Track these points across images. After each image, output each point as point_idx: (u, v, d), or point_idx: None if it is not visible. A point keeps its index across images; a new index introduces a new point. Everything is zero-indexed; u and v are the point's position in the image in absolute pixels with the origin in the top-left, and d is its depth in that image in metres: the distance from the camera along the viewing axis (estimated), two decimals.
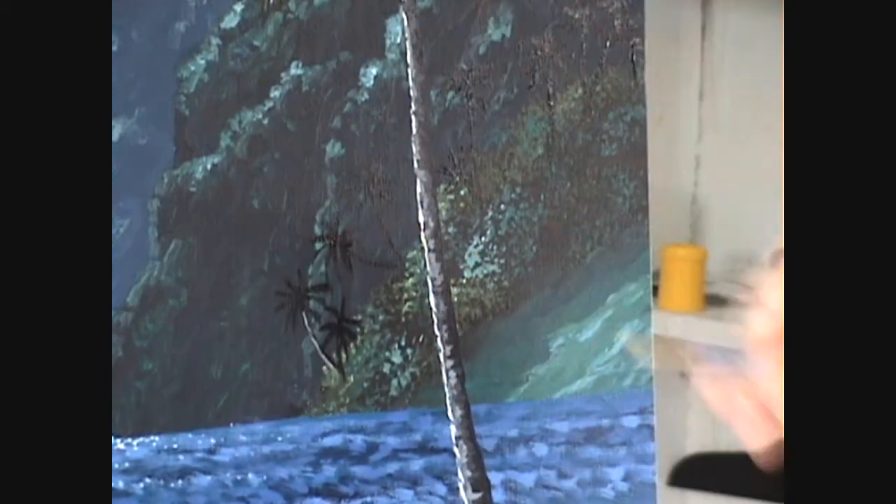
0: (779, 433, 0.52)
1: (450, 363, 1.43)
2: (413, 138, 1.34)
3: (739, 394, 0.51)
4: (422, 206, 1.36)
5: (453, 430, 1.43)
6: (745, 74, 1.78)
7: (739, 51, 1.78)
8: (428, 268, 1.39)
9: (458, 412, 1.45)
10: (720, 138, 1.84)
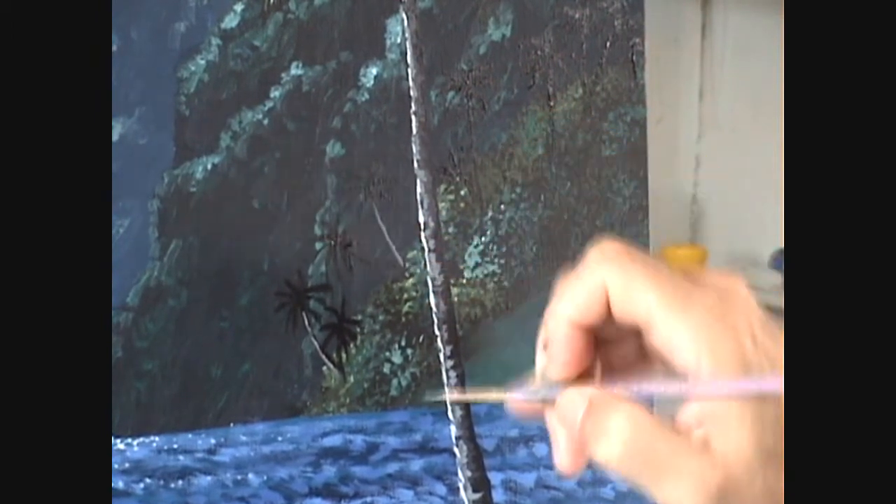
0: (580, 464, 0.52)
1: (450, 363, 1.42)
2: (413, 138, 1.34)
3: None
4: (422, 206, 1.35)
5: (453, 430, 1.42)
6: (745, 74, 1.78)
7: (739, 51, 1.78)
8: (428, 268, 1.38)
9: (458, 412, 1.44)
10: (720, 138, 1.84)
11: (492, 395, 0.52)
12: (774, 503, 0.45)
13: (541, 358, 0.51)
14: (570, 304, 0.50)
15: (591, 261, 0.49)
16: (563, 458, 0.50)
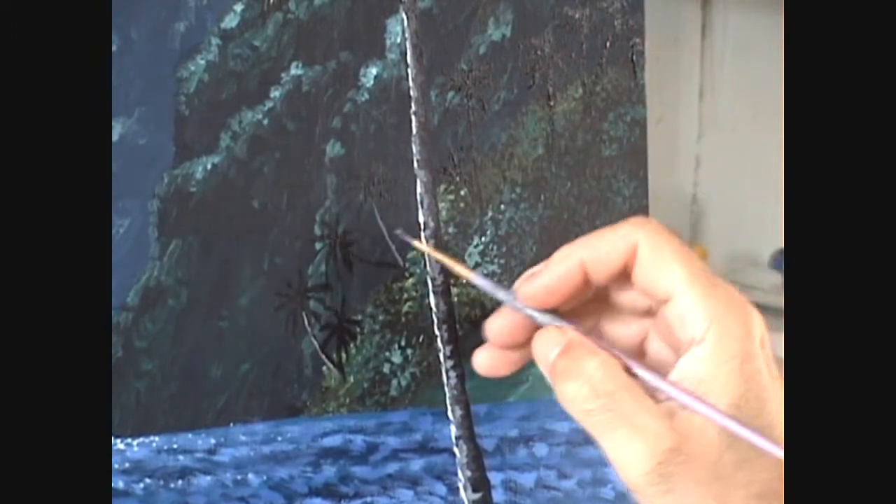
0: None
1: (450, 363, 1.42)
2: (413, 138, 1.33)
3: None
4: (422, 206, 1.35)
5: (453, 430, 1.42)
6: (745, 74, 1.78)
7: (739, 51, 1.79)
8: (428, 268, 1.38)
9: (458, 412, 1.44)
10: (720, 138, 1.84)
11: (463, 270, 0.53)
12: (736, 484, 0.45)
13: (522, 279, 0.51)
14: (590, 246, 0.50)
15: (629, 222, 0.50)
16: (500, 335, 0.51)
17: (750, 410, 0.45)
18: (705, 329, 0.47)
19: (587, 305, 0.53)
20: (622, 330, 0.54)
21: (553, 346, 0.50)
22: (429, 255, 1.15)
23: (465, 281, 1.54)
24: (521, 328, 0.51)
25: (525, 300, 0.51)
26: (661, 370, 0.49)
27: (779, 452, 0.44)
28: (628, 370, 0.49)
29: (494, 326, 0.52)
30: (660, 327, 0.51)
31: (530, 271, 0.52)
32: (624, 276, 0.51)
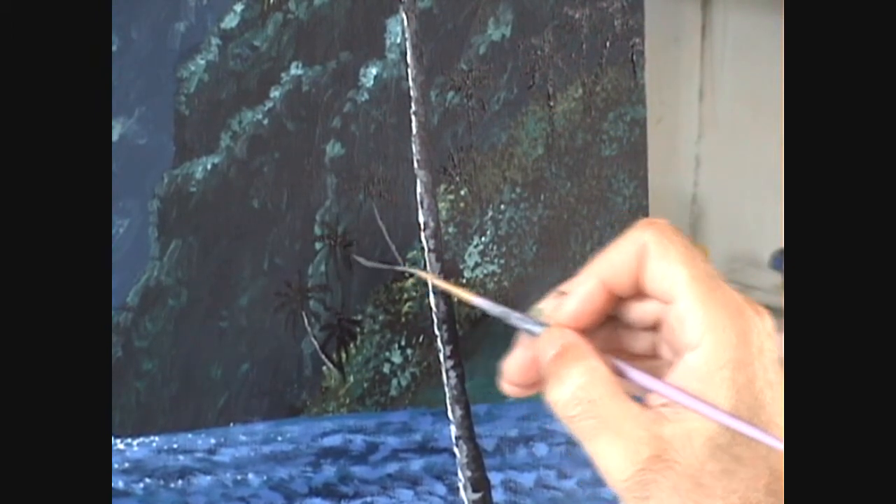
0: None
1: (450, 363, 1.42)
2: (413, 138, 1.33)
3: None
4: (422, 206, 1.35)
5: (453, 430, 1.42)
6: (745, 74, 1.78)
7: (739, 51, 1.78)
8: (428, 268, 1.38)
9: (458, 412, 1.44)
10: (720, 138, 1.84)
11: (471, 297, 0.53)
12: (717, 494, 0.45)
13: (548, 301, 0.52)
14: (606, 261, 0.51)
15: (637, 226, 0.50)
16: (515, 376, 0.52)
17: (742, 418, 0.45)
18: (701, 335, 0.47)
19: (603, 324, 0.53)
20: (634, 342, 0.54)
21: (549, 349, 0.50)
22: (427, 255, 1.14)
23: (464, 281, 1.53)
24: (535, 369, 0.51)
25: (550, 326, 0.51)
26: (661, 375, 0.49)
27: (779, 445, 0.44)
28: (624, 375, 0.49)
29: (510, 369, 0.53)
30: (665, 331, 0.51)
31: (554, 293, 0.52)
32: (637, 286, 0.51)
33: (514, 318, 0.52)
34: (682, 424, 0.45)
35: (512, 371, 0.52)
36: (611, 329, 0.53)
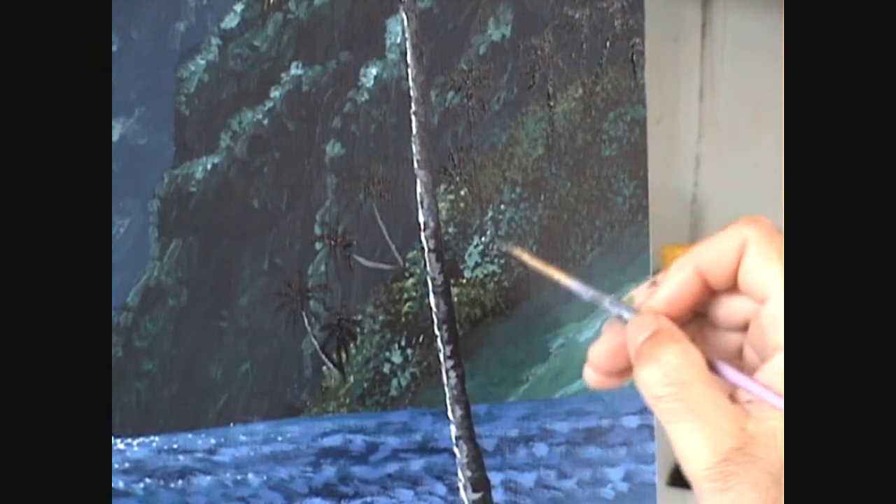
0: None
1: (450, 363, 1.42)
2: (413, 138, 1.33)
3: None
4: (422, 206, 1.34)
5: (453, 430, 1.41)
6: (745, 74, 1.77)
7: (739, 51, 1.78)
8: (428, 268, 1.37)
9: (458, 412, 1.43)
10: (720, 138, 1.83)
11: (563, 277, 0.52)
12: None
13: (640, 289, 0.51)
14: (705, 251, 0.50)
15: (740, 221, 0.50)
16: (602, 361, 0.51)
17: None
18: None
19: (689, 321, 0.52)
20: (719, 343, 0.53)
21: (643, 331, 0.50)
22: (427, 255, 1.15)
23: (464, 281, 1.53)
24: (623, 355, 0.51)
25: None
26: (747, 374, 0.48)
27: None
28: (714, 369, 0.48)
29: (597, 354, 0.52)
30: (753, 331, 0.50)
31: (647, 282, 0.52)
32: (734, 280, 0.51)
33: (606, 302, 0.52)
34: (768, 423, 0.45)
35: (599, 356, 0.51)
36: (697, 327, 0.52)
